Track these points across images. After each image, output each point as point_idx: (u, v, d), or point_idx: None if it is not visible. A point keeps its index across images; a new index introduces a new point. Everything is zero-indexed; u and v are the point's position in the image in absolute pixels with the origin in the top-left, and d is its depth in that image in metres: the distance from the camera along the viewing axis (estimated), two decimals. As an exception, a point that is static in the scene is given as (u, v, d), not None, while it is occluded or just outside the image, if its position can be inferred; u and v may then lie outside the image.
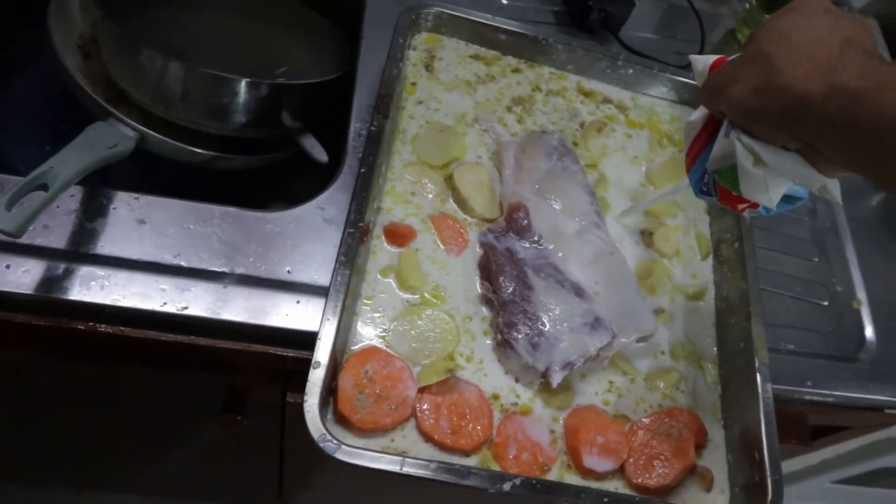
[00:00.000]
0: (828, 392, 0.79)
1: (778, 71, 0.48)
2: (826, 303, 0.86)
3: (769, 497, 0.63)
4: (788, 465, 1.13)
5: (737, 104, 0.52)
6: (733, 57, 0.56)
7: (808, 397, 0.79)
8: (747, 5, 1.04)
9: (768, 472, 0.64)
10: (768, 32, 0.51)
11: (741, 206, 0.60)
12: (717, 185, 0.60)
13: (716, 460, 0.69)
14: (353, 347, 0.65)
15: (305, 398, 0.57)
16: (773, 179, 0.54)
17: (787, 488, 0.65)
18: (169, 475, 1.10)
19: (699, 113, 0.61)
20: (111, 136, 0.71)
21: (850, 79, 0.45)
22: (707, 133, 0.60)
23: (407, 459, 0.58)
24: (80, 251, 0.65)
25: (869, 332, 0.85)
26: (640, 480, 0.65)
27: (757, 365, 0.69)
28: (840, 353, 0.82)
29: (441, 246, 0.72)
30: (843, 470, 1.17)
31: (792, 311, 0.83)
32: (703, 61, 0.59)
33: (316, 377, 0.58)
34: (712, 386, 0.73)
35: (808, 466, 1.15)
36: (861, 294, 0.87)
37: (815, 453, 1.08)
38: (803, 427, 0.85)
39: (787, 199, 0.56)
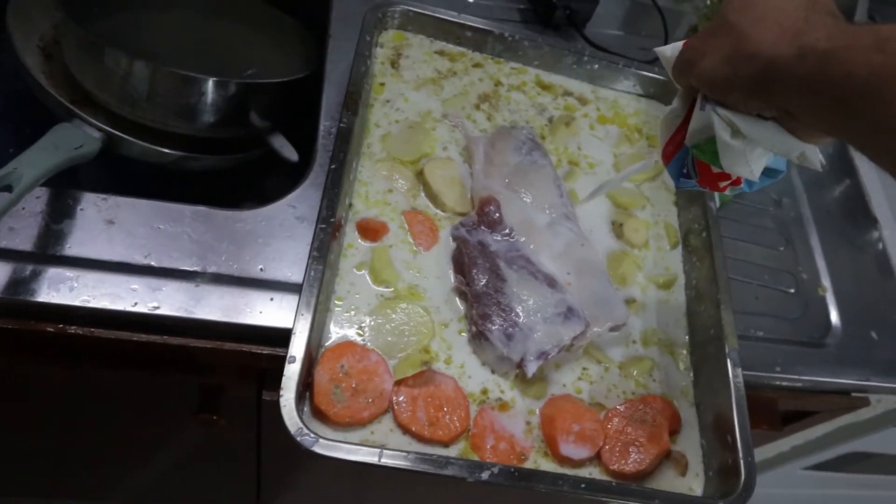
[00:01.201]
0: (796, 377, 0.81)
1: (746, 38, 0.48)
2: (793, 290, 0.87)
3: (742, 478, 0.64)
4: (761, 453, 1.15)
5: (708, 76, 0.52)
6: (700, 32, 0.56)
7: (777, 382, 0.81)
8: (708, 1, 1.07)
9: (741, 455, 0.65)
10: (733, 3, 0.51)
11: (723, 185, 0.60)
12: (696, 165, 0.60)
13: (690, 445, 0.70)
14: (327, 342, 0.65)
15: (281, 393, 0.57)
16: (753, 151, 0.54)
17: (759, 476, 0.66)
18: (144, 481, 1.08)
19: (678, 102, 0.61)
20: (76, 138, 0.70)
21: (818, 40, 0.45)
22: (687, 122, 0.60)
23: (385, 451, 0.58)
24: (48, 253, 0.64)
25: (834, 317, 0.87)
26: (616, 467, 0.65)
27: (727, 351, 0.70)
28: (807, 339, 0.84)
29: (412, 241, 0.72)
30: (812, 456, 1.19)
31: (760, 299, 0.85)
32: (670, 48, 0.59)
33: (291, 372, 0.58)
34: (684, 372, 0.74)
35: (780, 453, 1.17)
36: (826, 281, 0.90)
37: (785, 440, 1.10)
38: (774, 412, 0.86)
39: (767, 171, 0.56)
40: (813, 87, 0.46)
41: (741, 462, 0.65)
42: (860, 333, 0.87)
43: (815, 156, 0.53)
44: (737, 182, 0.59)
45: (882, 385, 0.85)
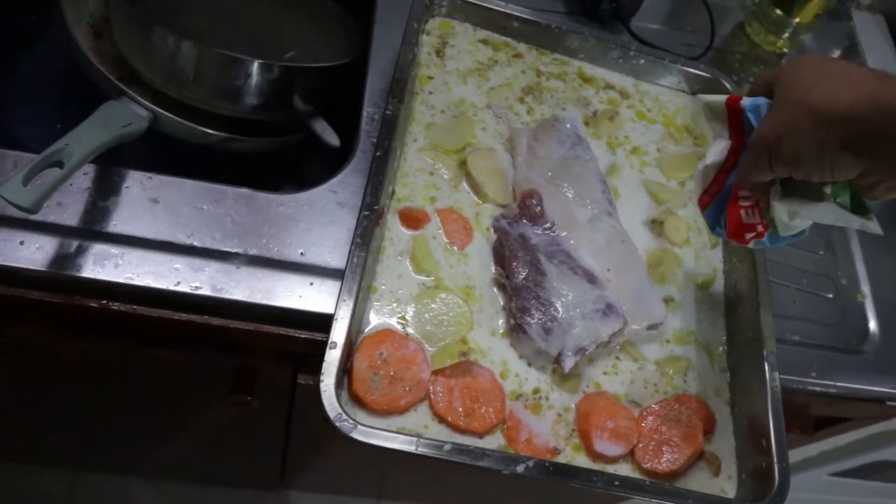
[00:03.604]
0: (831, 383, 0.80)
1: (823, 109, 0.49)
2: (831, 295, 0.86)
3: (776, 483, 0.64)
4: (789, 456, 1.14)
5: (793, 155, 0.52)
6: (748, 102, 0.58)
7: (811, 388, 0.80)
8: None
9: (775, 459, 0.65)
10: (794, 85, 0.52)
11: (748, 236, 0.63)
12: (726, 220, 0.63)
13: (724, 446, 0.69)
14: (367, 329, 0.65)
15: (322, 378, 0.58)
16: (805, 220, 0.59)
17: (788, 478, 0.66)
18: (172, 458, 1.10)
19: (715, 157, 0.63)
20: (125, 116, 0.71)
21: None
22: (725, 172, 0.63)
23: (422, 440, 0.58)
24: (94, 229, 0.65)
25: (872, 325, 0.86)
26: (649, 465, 0.65)
27: (765, 354, 0.70)
28: (844, 345, 0.83)
29: (445, 239, 0.72)
30: (840, 462, 1.18)
31: (798, 303, 0.84)
32: (712, 100, 0.62)
33: (332, 358, 0.59)
34: (720, 373, 0.73)
35: (807, 458, 1.16)
36: (865, 288, 0.88)
37: (813, 445, 1.09)
38: (806, 417, 0.85)
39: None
40: None
41: (775, 467, 0.65)
42: (898, 342, 0.86)
43: (875, 225, 0.55)
44: (759, 236, 0.62)
45: (918, 395, 0.84)
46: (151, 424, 0.99)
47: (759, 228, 0.62)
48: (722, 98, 0.60)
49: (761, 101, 0.57)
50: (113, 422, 0.99)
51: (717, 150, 0.63)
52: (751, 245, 0.64)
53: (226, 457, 1.11)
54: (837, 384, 0.80)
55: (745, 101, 0.59)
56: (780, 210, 0.58)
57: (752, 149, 0.57)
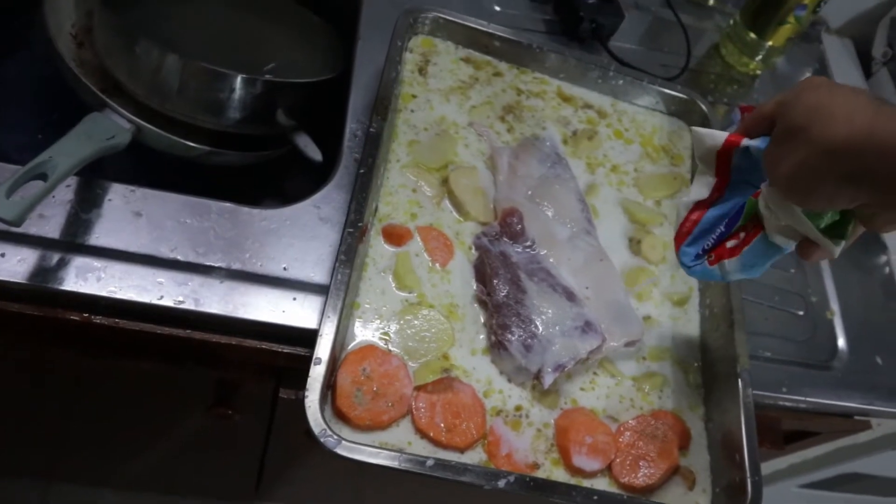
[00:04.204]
0: (801, 398, 0.82)
1: (822, 137, 0.49)
2: (801, 312, 0.89)
3: (749, 497, 0.65)
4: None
5: (790, 179, 0.52)
6: (749, 144, 0.56)
7: (782, 403, 0.82)
8: (732, 21, 1.08)
9: (748, 474, 0.66)
10: (795, 110, 0.51)
11: (730, 245, 0.62)
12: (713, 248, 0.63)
13: (698, 461, 0.71)
14: (350, 345, 0.66)
15: (306, 394, 0.58)
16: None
17: (756, 492, 0.68)
18: (147, 469, 1.09)
19: (698, 194, 0.62)
20: (108, 128, 0.71)
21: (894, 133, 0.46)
22: (702, 209, 0.63)
23: (404, 455, 0.59)
24: (76, 242, 0.65)
25: (841, 341, 0.88)
26: (626, 480, 0.67)
27: (739, 370, 0.72)
28: (814, 361, 0.86)
29: (427, 257, 0.73)
30: (809, 475, 1.20)
31: (770, 320, 0.86)
32: (710, 137, 0.59)
33: (317, 373, 0.59)
34: (695, 390, 0.75)
35: (777, 471, 1.18)
36: (834, 305, 0.91)
37: (784, 458, 1.11)
38: (777, 431, 0.88)
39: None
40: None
41: (748, 481, 0.66)
42: (866, 358, 0.88)
43: (835, 250, 0.56)
44: (745, 243, 0.61)
45: (884, 409, 0.87)
46: (129, 436, 0.98)
47: (742, 236, 0.61)
48: (720, 136, 0.59)
49: (761, 142, 0.56)
50: (89, 433, 0.98)
51: (701, 186, 0.62)
52: (730, 272, 0.63)
53: (202, 468, 1.11)
54: (807, 399, 0.83)
55: (745, 143, 0.57)
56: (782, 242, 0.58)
57: (774, 182, 0.55)
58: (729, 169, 0.60)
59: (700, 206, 0.62)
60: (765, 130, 0.55)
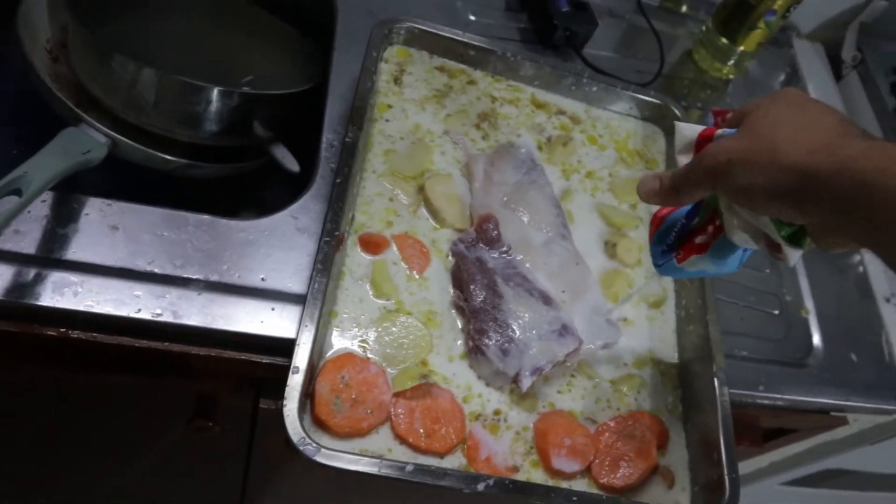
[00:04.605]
0: (778, 396, 0.83)
1: (781, 150, 0.49)
2: (776, 311, 0.90)
3: (727, 494, 0.66)
4: (740, 468, 1.17)
5: (742, 186, 0.52)
6: (723, 133, 0.56)
7: (760, 401, 0.83)
8: (704, 27, 1.10)
9: (726, 471, 0.67)
10: (763, 119, 0.51)
11: (698, 241, 0.61)
12: (678, 243, 0.63)
13: (677, 460, 0.72)
14: (328, 353, 0.66)
15: (284, 403, 0.58)
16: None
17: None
18: (128, 484, 1.08)
19: None
20: (84, 142, 0.71)
21: (855, 158, 0.46)
22: (671, 207, 0.63)
23: (385, 461, 0.59)
24: (53, 257, 0.65)
25: (816, 339, 0.90)
26: (606, 480, 0.67)
27: (715, 370, 0.73)
28: (790, 359, 0.87)
29: (404, 265, 0.73)
30: (790, 472, 1.22)
31: (745, 320, 0.87)
32: (689, 129, 0.60)
33: (295, 382, 0.59)
34: (672, 390, 0.76)
35: (759, 469, 1.19)
36: (809, 303, 0.92)
37: (764, 456, 1.12)
38: (755, 429, 0.89)
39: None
40: (848, 205, 0.46)
41: (726, 478, 0.67)
42: (840, 355, 0.90)
43: (794, 258, 0.56)
44: (713, 237, 0.60)
45: (860, 405, 0.88)
46: (109, 451, 0.97)
47: (710, 230, 0.60)
48: (699, 128, 0.59)
49: (733, 131, 0.56)
50: (68, 449, 0.97)
51: None
52: (702, 269, 0.62)
53: (185, 482, 1.10)
54: (784, 397, 0.84)
55: (720, 132, 0.57)
56: (743, 240, 0.58)
57: (697, 161, 0.55)
58: None
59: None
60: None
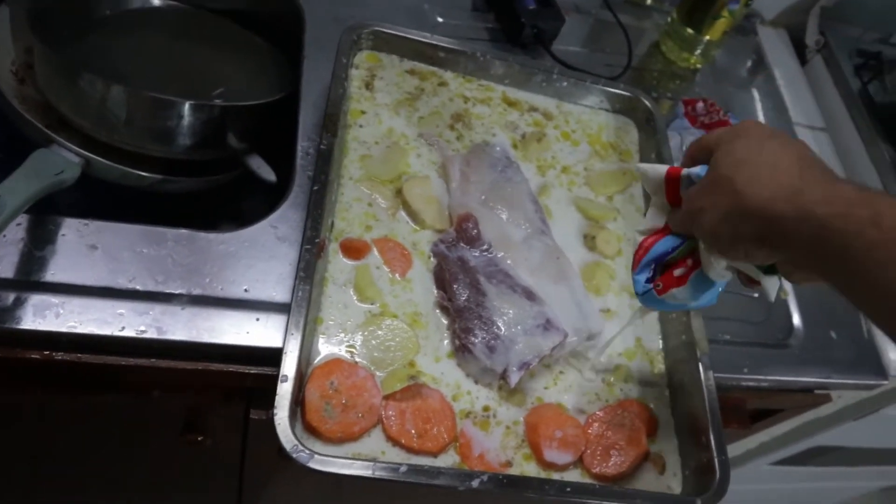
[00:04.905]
0: (763, 377, 0.85)
1: (742, 195, 0.50)
2: (756, 295, 0.91)
3: (717, 476, 0.67)
4: (730, 450, 1.19)
5: (709, 231, 0.54)
6: (689, 173, 0.58)
7: (745, 383, 0.85)
8: (669, 19, 1.11)
9: (715, 454, 0.68)
10: (725, 159, 0.53)
11: (677, 273, 0.63)
12: (658, 274, 0.64)
13: (667, 446, 0.73)
14: (316, 360, 0.66)
15: (275, 412, 0.58)
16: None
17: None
18: (122, 500, 1.08)
19: (650, 222, 0.64)
20: (56, 163, 0.70)
21: (816, 203, 0.47)
22: (657, 237, 0.64)
23: (378, 464, 0.59)
24: (32, 280, 0.64)
25: (796, 319, 0.91)
26: (598, 470, 0.68)
27: (699, 355, 0.74)
28: (772, 341, 0.88)
29: (386, 268, 0.74)
30: (778, 452, 1.24)
31: (726, 305, 0.87)
32: (653, 171, 0.62)
33: (284, 391, 0.59)
34: (659, 377, 0.77)
35: (748, 451, 1.21)
36: (787, 285, 0.94)
37: (753, 437, 1.14)
38: (742, 411, 0.90)
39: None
40: (811, 250, 0.48)
41: (716, 461, 0.68)
42: (820, 334, 0.91)
43: (772, 291, 0.58)
44: (690, 270, 0.62)
45: (842, 382, 0.90)
46: (100, 470, 0.96)
47: (689, 263, 0.62)
48: (662, 169, 0.61)
49: (700, 170, 0.57)
50: (58, 472, 0.96)
51: (655, 215, 0.64)
52: (681, 301, 0.64)
53: (179, 497, 1.10)
54: (769, 378, 0.85)
55: (685, 172, 0.59)
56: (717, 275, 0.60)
57: (683, 205, 0.58)
58: (679, 198, 0.61)
59: (656, 234, 0.64)
60: (706, 160, 0.57)
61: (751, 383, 0.85)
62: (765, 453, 1.23)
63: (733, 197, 0.51)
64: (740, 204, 0.50)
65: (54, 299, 0.64)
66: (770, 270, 0.57)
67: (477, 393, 0.70)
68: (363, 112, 0.83)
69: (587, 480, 0.68)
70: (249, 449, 0.85)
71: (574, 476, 0.68)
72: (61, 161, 0.71)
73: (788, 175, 0.49)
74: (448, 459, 0.66)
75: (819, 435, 1.16)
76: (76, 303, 0.64)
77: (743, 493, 1.48)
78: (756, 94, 1.16)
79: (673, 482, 0.71)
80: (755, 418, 0.98)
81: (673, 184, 0.61)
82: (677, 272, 0.62)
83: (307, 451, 0.57)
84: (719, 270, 0.59)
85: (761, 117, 1.12)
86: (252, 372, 0.68)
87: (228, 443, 0.83)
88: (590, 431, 0.70)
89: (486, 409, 0.69)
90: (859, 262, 0.45)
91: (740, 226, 0.51)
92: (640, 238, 0.65)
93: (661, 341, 0.79)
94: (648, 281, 0.64)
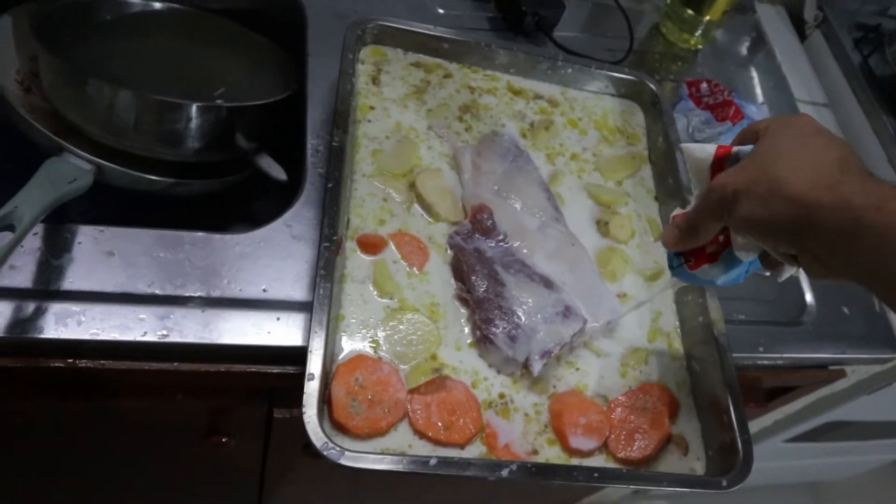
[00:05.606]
0: (778, 355, 0.85)
1: (783, 182, 0.51)
2: (768, 273, 0.90)
3: (741, 456, 0.68)
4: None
5: (745, 217, 0.53)
6: (739, 151, 0.58)
7: (761, 362, 0.85)
8: (668, 1, 1.11)
9: (737, 434, 0.69)
10: (769, 151, 0.53)
11: (709, 250, 0.63)
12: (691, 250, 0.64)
13: (689, 428, 0.73)
14: (340, 357, 0.66)
15: (304, 410, 0.59)
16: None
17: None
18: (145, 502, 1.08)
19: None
20: (69, 171, 0.70)
21: (854, 194, 0.48)
22: None
23: (407, 458, 0.60)
24: (51, 289, 0.65)
25: (808, 296, 0.92)
26: (623, 454, 0.68)
27: (716, 335, 0.74)
28: (785, 319, 0.89)
29: (403, 263, 0.74)
30: (793, 429, 1.24)
31: (739, 285, 0.88)
32: (700, 150, 0.61)
33: (311, 389, 0.60)
34: (678, 360, 0.77)
35: (763, 428, 1.22)
36: (797, 263, 0.94)
37: (768, 415, 1.14)
38: (759, 390, 0.91)
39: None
40: (844, 240, 0.48)
41: (738, 440, 0.69)
42: (833, 310, 0.92)
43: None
44: (723, 246, 0.62)
45: (856, 357, 0.90)
46: (123, 475, 0.97)
47: (721, 240, 0.62)
48: (711, 148, 0.60)
49: (750, 149, 0.57)
50: (82, 478, 0.97)
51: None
52: (712, 277, 0.64)
53: (200, 498, 1.10)
54: (784, 355, 0.86)
55: (735, 150, 0.59)
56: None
57: (709, 194, 0.57)
58: None
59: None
60: (754, 142, 0.57)
61: (766, 362, 0.85)
62: (780, 431, 1.24)
63: (772, 184, 0.51)
64: (778, 190, 0.51)
65: (75, 307, 0.64)
66: (792, 258, 0.58)
67: (493, 380, 0.70)
68: (372, 107, 0.83)
69: (613, 465, 0.68)
70: (272, 449, 0.85)
71: (598, 461, 0.69)
72: (74, 169, 0.71)
73: (830, 168, 0.50)
74: (474, 450, 0.66)
75: (833, 410, 1.16)
76: (97, 310, 0.64)
77: (758, 471, 1.49)
78: (757, 72, 1.16)
79: (696, 464, 0.71)
80: (771, 397, 0.99)
81: (719, 163, 0.60)
82: (709, 249, 0.62)
83: (338, 449, 0.58)
84: (748, 251, 0.59)
85: (763, 96, 1.13)
86: (275, 371, 0.69)
87: (250, 443, 0.84)
88: (613, 416, 0.71)
89: (501, 396, 0.69)
90: (893, 252, 0.46)
91: (775, 212, 0.51)
92: (673, 215, 0.65)
93: (678, 323, 0.79)
94: (680, 255, 0.65)
